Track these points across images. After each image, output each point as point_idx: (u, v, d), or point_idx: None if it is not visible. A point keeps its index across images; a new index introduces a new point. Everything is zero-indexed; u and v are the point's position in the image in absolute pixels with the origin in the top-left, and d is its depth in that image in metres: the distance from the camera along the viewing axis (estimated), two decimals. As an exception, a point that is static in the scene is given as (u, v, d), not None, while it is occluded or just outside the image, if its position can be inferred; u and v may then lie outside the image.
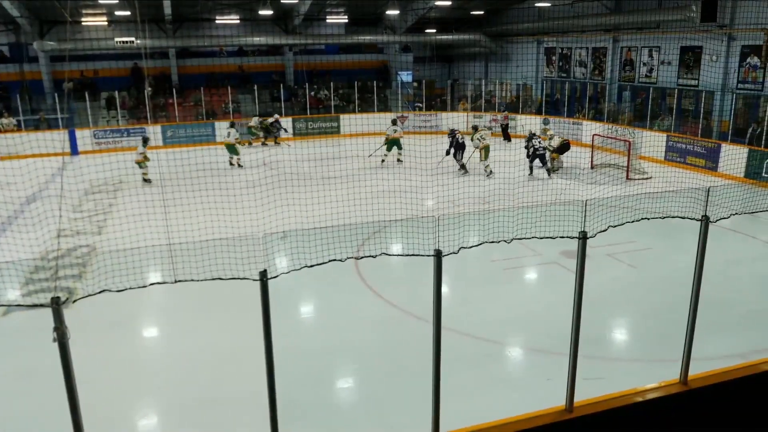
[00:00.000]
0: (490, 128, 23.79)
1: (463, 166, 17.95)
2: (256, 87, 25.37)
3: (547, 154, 17.63)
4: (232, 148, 19.72)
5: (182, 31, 26.70)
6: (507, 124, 24.48)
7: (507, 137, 24.05)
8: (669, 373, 4.76)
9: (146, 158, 17.46)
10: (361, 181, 14.66)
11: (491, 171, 17.40)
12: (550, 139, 18.41)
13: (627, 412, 4.27)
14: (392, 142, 19.52)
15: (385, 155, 19.50)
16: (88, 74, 26.83)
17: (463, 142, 17.99)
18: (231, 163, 19.88)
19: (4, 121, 22.65)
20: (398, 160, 19.66)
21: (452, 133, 18.29)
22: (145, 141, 18.27)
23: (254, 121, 23.72)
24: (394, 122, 20.42)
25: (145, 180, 17.46)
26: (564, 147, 18.10)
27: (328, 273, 6.58)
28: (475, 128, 18.63)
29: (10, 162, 15.71)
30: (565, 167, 18.26)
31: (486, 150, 17.51)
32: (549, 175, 17.38)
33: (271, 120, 23.89)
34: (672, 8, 19.20)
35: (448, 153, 18.11)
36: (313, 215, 9.84)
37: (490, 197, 13.40)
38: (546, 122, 23.77)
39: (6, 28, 25.32)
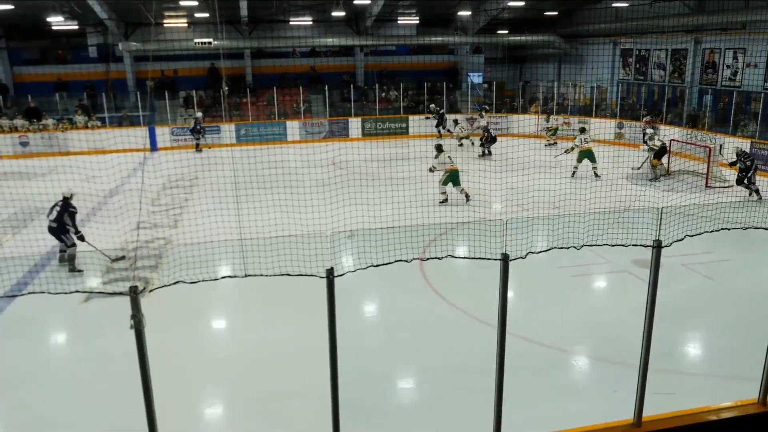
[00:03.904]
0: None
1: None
2: (326, 87, 25.76)
3: (649, 161, 17.38)
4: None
5: (257, 32, 27.44)
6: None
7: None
8: (746, 391, 4.54)
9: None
10: (429, 182, 14.64)
11: (599, 174, 17.22)
12: (650, 140, 17.82)
13: (699, 431, 4.10)
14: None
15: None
16: (169, 74, 28.04)
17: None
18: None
19: (91, 123, 23.94)
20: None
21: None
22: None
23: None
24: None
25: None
26: (662, 150, 17.36)
27: (393, 273, 6.61)
28: (583, 130, 18.51)
29: (96, 156, 16.55)
30: (657, 173, 17.33)
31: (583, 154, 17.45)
32: (654, 180, 17.01)
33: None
34: (760, 8, 18.21)
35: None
36: (380, 215, 9.90)
37: (561, 202, 13.10)
38: (621, 126, 22.90)
39: (95, 30, 26.72)
